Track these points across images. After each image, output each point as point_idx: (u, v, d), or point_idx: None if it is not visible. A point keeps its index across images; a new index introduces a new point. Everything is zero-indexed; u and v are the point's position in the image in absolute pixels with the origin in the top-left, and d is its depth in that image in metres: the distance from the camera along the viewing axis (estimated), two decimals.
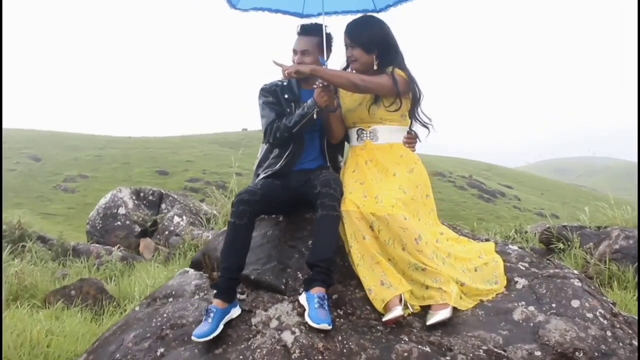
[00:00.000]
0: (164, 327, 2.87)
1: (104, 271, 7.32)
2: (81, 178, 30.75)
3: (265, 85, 3.24)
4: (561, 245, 6.75)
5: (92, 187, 28.72)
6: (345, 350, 2.46)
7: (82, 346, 4.08)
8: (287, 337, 2.52)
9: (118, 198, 10.70)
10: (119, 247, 8.65)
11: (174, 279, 3.36)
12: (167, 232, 10.13)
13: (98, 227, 10.38)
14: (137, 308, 3.31)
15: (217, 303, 2.71)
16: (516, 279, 2.97)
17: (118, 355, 2.84)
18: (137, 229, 10.34)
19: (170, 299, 3.12)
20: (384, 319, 2.63)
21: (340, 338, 2.52)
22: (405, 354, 2.46)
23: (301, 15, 3.44)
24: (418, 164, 3.17)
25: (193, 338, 2.60)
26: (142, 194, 11.16)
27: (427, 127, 3.25)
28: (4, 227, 9.06)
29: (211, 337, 2.60)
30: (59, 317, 4.92)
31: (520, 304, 2.80)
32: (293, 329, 2.56)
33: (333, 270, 2.75)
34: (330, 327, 2.52)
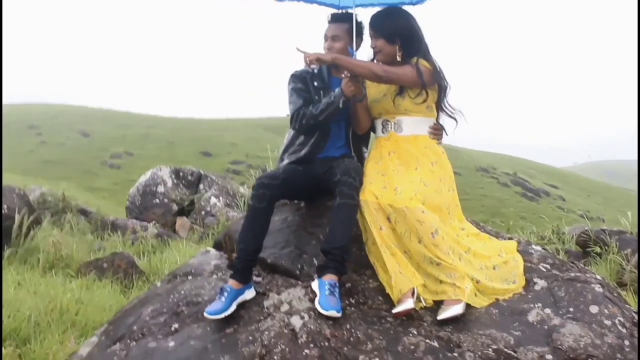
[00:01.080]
0: (180, 303, 2.93)
1: (138, 246, 7.51)
2: (127, 155, 31.52)
3: (296, 71, 3.25)
4: (598, 249, 6.57)
5: (137, 164, 29.40)
6: (352, 339, 2.47)
7: (108, 316, 4.21)
8: (296, 321, 2.55)
9: (158, 176, 10.92)
10: (154, 224, 8.85)
11: (195, 257, 3.43)
12: (203, 212, 10.31)
13: (137, 204, 10.63)
14: (158, 284, 3.39)
15: (232, 283, 2.76)
16: (535, 279, 2.91)
17: (135, 328, 2.92)
18: (175, 207, 10.56)
19: (190, 277, 3.18)
20: (393, 311, 2.63)
21: (348, 326, 2.53)
22: (412, 346, 2.45)
23: (337, 7, 3.42)
24: (442, 157, 3.13)
25: (205, 314, 2.65)
26: (181, 174, 11.36)
27: (455, 119, 3.21)
28: (48, 198, 9.39)
29: (222, 315, 2.64)
30: (90, 287, 5.08)
31: (536, 305, 2.74)
32: (302, 314, 2.59)
33: (347, 259, 2.76)
34: (339, 315, 2.53)
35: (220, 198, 10.43)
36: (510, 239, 3.30)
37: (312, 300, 2.66)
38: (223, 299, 2.69)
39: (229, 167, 31.30)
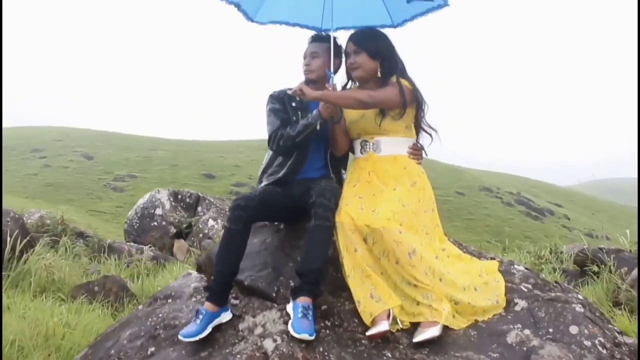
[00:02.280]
0: (157, 326, 2.92)
1: (132, 269, 7.49)
2: (130, 178, 31.62)
3: (274, 92, 3.26)
4: (595, 268, 6.50)
5: (140, 187, 29.46)
6: None
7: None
8: (269, 344, 2.52)
9: (156, 199, 10.95)
10: (150, 247, 8.85)
11: (176, 280, 3.41)
12: (201, 235, 10.31)
13: (135, 227, 10.65)
14: (140, 307, 3.38)
15: (207, 306, 2.74)
16: (516, 300, 2.88)
17: (112, 352, 2.90)
18: (173, 230, 10.57)
19: (169, 300, 3.17)
20: (367, 333, 2.60)
21: (321, 349, 2.51)
22: None
23: (319, 30, 3.43)
24: (422, 177, 3.11)
25: (179, 337, 2.63)
26: (179, 196, 11.38)
27: (431, 135, 3.21)
28: (47, 221, 9.40)
29: (197, 338, 2.62)
30: (80, 311, 5.05)
31: (516, 326, 2.71)
32: (275, 337, 2.56)
33: (321, 281, 2.73)
34: (311, 338, 2.50)
35: (219, 220, 10.42)
36: (492, 259, 3.27)
37: (286, 323, 2.63)
38: (198, 321, 2.67)
39: (232, 189, 31.33)
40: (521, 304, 2.86)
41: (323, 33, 3.32)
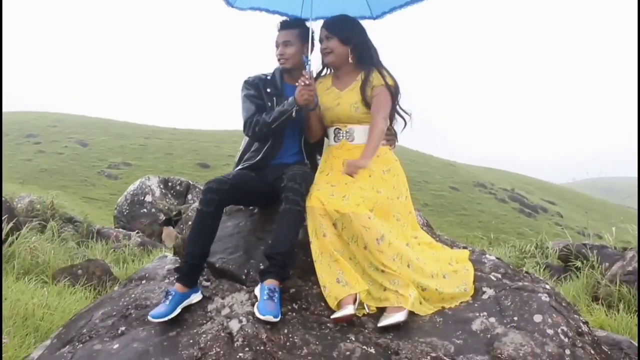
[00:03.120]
0: (129, 306, 2.94)
1: (119, 254, 7.52)
2: (125, 165, 31.57)
3: (249, 77, 3.26)
4: (579, 264, 6.56)
5: (135, 175, 29.39)
6: (288, 344, 2.47)
7: None
8: (234, 325, 2.55)
9: (146, 186, 10.96)
10: (138, 233, 8.87)
11: (152, 262, 3.44)
12: (190, 222, 10.34)
13: (125, 213, 10.66)
14: (116, 288, 3.40)
15: (177, 287, 2.76)
16: (484, 288, 2.91)
17: (85, 330, 2.92)
18: (162, 217, 10.59)
19: (143, 281, 3.20)
20: (332, 317, 2.63)
21: (286, 331, 2.54)
22: (348, 352, 2.44)
23: (299, 18, 3.45)
24: (395, 165, 3.14)
25: (148, 318, 2.66)
26: (170, 184, 11.40)
27: (405, 121, 3.25)
28: (37, 205, 9.39)
29: (165, 318, 2.65)
30: (62, 293, 5.09)
31: (482, 314, 2.74)
32: (241, 317, 2.59)
33: (289, 264, 2.76)
34: (276, 320, 2.53)
35: None
36: (464, 248, 3.31)
37: (254, 305, 2.66)
38: (167, 302, 2.70)
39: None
40: (489, 292, 2.89)
41: (288, 19, 3.30)
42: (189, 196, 11.29)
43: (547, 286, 2.96)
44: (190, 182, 11.59)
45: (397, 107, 3.20)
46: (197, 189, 11.40)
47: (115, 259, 7.22)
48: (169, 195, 11.08)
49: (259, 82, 3.22)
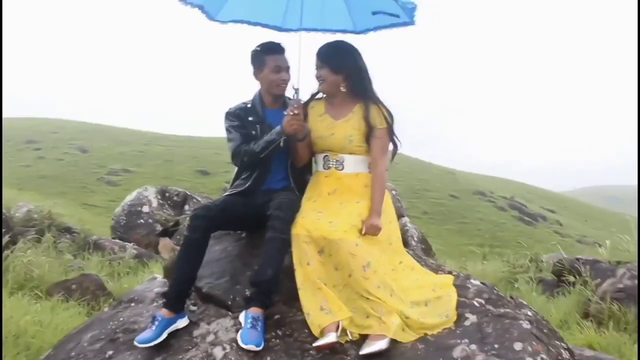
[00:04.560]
0: (117, 330, 2.99)
1: (114, 267, 7.56)
2: (124, 172, 31.58)
3: (230, 109, 3.30)
4: (572, 278, 6.57)
5: (135, 182, 29.40)
6: None
7: None
8: (218, 352, 2.60)
9: (143, 196, 10.99)
10: (133, 245, 8.90)
11: (142, 284, 3.48)
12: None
13: (122, 223, 10.68)
14: (105, 309, 3.44)
15: (163, 312, 2.81)
16: (467, 315, 2.94)
17: (73, 353, 2.97)
18: (159, 228, 10.61)
19: (132, 304, 3.24)
20: (315, 344, 2.66)
21: (269, 358, 2.59)
22: None
23: (280, 29, 3.48)
24: None
25: (135, 343, 2.71)
26: (167, 194, 11.43)
27: (396, 147, 3.25)
28: (34, 215, 9.42)
29: (151, 344, 2.69)
30: (55, 309, 5.12)
31: (463, 341, 2.77)
32: (225, 345, 2.64)
33: (274, 292, 2.81)
34: (258, 349, 2.57)
35: None
36: (449, 272, 3.34)
37: (238, 331, 2.70)
38: (154, 327, 2.75)
39: (226, 186, 31.19)
40: (471, 318, 2.92)
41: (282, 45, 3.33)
42: (186, 207, 11.31)
43: (530, 313, 3.00)
44: (187, 192, 11.63)
45: (395, 138, 3.20)
46: (194, 200, 11.44)
47: (111, 272, 7.25)
48: (166, 206, 11.11)
49: (240, 112, 3.26)
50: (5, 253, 5.97)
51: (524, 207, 39.71)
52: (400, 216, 9.22)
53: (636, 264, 6.14)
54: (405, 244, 8.49)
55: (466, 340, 2.78)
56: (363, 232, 2.94)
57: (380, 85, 3.24)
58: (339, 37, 3.34)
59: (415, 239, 8.69)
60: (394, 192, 9.76)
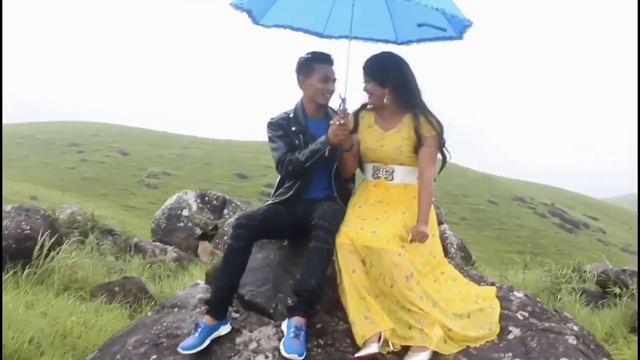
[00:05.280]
0: (161, 335, 3.03)
1: (156, 270, 7.69)
2: (164, 175, 32.19)
3: (273, 118, 3.31)
4: (618, 290, 6.40)
5: (173, 184, 29.97)
6: None
7: None
8: None
9: (183, 200, 11.16)
10: (174, 248, 9.04)
11: (184, 289, 3.54)
12: (225, 237, 10.47)
13: (162, 227, 10.87)
14: (149, 313, 3.51)
15: (206, 319, 2.85)
16: (510, 328, 2.91)
17: (118, 356, 3.03)
18: (198, 231, 10.76)
19: (175, 309, 3.29)
20: (356, 355, 2.67)
21: None
22: None
23: (321, 36, 3.50)
24: None
25: (178, 349, 2.75)
26: (206, 198, 11.58)
27: (445, 159, 3.23)
28: (78, 217, 9.67)
29: (194, 351, 2.73)
30: (99, 311, 5.24)
31: (507, 355, 2.74)
32: (267, 353, 2.66)
33: (316, 301, 2.82)
34: (300, 358, 2.58)
35: None
36: (492, 284, 3.30)
37: (280, 340, 2.72)
38: (197, 334, 2.78)
39: (264, 189, 31.61)
40: (515, 332, 2.88)
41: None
42: (225, 211, 11.45)
43: (575, 327, 2.94)
44: (226, 196, 11.76)
45: (443, 147, 3.18)
46: (233, 204, 11.57)
47: (152, 275, 7.39)
48: (206, 210, 11.26)
49: (282, 122, 3.27)
50: (51, 254, 6.13)
51: (565, 214, 38.91)
52: (440, 223, 9.12)
53: None
54: (445, 251, 8.40)
55: (510, 355, 2.74)
56: (409, 239, 2.92)
57: (424, 92, 3.23)
58: (387, 47, 3.34)
59: (455, 246, 8.58)
60: (432, 198, 9.66)
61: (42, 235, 6.04)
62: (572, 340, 2.79)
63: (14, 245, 5.83)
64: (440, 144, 3.13)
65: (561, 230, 35.74)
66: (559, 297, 6.62)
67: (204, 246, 10.27)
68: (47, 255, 5.99)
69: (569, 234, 35.28)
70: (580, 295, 6.93)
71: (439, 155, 3.19)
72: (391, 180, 3.14)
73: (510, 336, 2.86)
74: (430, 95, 3.19)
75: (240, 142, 44.09)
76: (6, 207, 6.67)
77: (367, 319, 2.75)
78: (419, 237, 2.93)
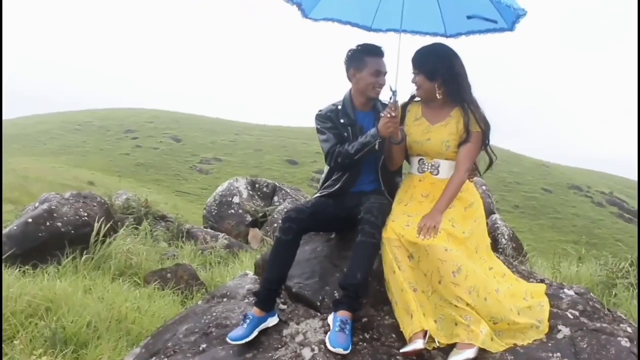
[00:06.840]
0: (210, 324, 3.11)
1: (206, 257, 7.87)
2: (216, 161, 32.74)
3: (321, 110, 3.32)
4: None
5: (225, 170, 30.46)
6: None
7: None
8: (306, 353, 2.66)
9: (234, 187, 11.34)
10: (224, 236, 9.21)
11: (233, 280, 3.61)
12: (275, 225, 10.60)
13: (213, 213, 11.09)
14: (199, 302, 3.61)
15: (254, 311, 2.90)
16: (560, 327, 2.85)
17: (170, 344, 3.13)
18: (249, 218, 10.92)
19: (225, 299, 3.37)
20: (402, 350, 2.67)
21: None
22: None
23: (369, 29, 3.47)
24: (476, 198, 3.12)
25: (227, 339, 2.82)
26: (257, 185, 11.73)
27: (492, 160, 3.19)
28: (132, 203, 9.97)
29: (243, 341, 2.79)
30: (152, 296, 5.41)
31: (555, 355, 2.69)
32: (313, 346, 2.70)
33: (362, 295, 2.83)
34: (345, 352, 2.61)
35: None
36: (542, 280, 3.24)
37: (326, 333, 2.76)
38: (245, 325, 2.84)
39: (314, 175, 31.79)
40: (564, 331, 2.83)
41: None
42: (275, 198, 11.58)
43: (629, 329, 2.86)
44: (277, 184, 11.89)
45: (487, 147, 3.13)
46: (283, 191, 11.68)
47: (203, 261, 7.56)
48: (256, 197, 11.41)
49: (331, 114, 3.27)
50: (107, 240, 6.35)
51: (624, 204, 37.59)
52: (490, 213, 8.94)
53: None
54: (495, 242, 8.23)
55: (558, 355, 2.69)
56: (418, 227, 2.87)
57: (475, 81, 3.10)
58: (436, 40, 3.29)
59: (506, 236, 8.42)
60: (483, 187, 9.48)
61: (98, 222, 6.27)
62: (625, 342, 2.72)
63: (72, 232, 6.07)
64: (484, 143, 3.08)
65: (619, 220, 34.55)
66: (614, 293, 6.42)
67: (254, 233, 10.43)
68: (103, 241, 6.22)
69: (628, 224, 34.06)
70: (638, 291, 6.70)
71: (484, 155, 3.15)
72: (436, 174, 3.12)
73: (560, 335, 2.81)
74: (484, 78, 3.10)
75: (290, 128, 44.35)
76: (65, 194, 6.95)
77: (411, 315, 2.75)
78: (428, 222, 2.87)
